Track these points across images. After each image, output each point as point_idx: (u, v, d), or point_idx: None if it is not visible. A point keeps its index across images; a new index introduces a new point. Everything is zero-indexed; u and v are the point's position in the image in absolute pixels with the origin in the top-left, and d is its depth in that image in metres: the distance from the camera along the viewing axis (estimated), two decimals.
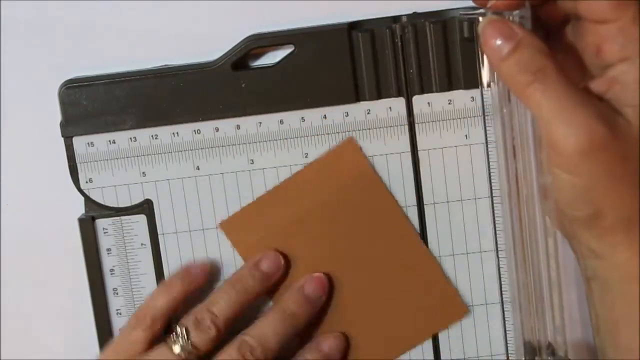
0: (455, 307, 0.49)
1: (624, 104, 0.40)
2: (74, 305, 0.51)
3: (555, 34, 0.43)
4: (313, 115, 0.48)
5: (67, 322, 0.51)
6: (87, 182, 0.49)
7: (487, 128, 0.48)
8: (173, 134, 0.48)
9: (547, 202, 0.43)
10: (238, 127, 0.48)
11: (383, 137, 0.48)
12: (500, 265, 0.49)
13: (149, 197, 0.49)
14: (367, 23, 0.48)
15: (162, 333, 0.46)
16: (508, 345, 0.50)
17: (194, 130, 0.48)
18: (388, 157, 0.48)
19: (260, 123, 0.48)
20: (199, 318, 0.46)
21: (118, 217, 0.49)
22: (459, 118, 0.48)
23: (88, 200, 0.49)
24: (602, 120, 0.39)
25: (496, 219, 0.49)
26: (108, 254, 0.49)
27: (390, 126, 0.48)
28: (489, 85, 0.44)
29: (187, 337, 0.45)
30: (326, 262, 0.49)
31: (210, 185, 0.49)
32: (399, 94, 0.48)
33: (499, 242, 0.49)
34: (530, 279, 0.45)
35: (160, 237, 0.49)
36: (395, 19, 0.47)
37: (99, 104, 0.48)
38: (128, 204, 0.49)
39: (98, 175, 0.49)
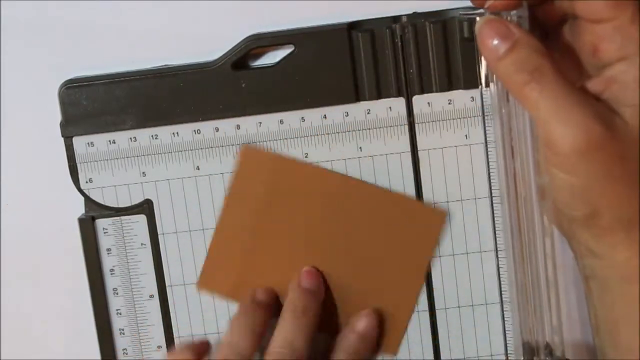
0: (433, 217, 0.49)
1: (622, 104, 0.40)
2: (74, 305, 0.51)
3: (553, 34, 0.43)
4: (313, 115, 0.48)
5: (67, 322, 0.51)
6: (87, 182, 0.49)
7: (487, 128, 0.48)
8: (173, 134, 0.48)
9: (545, 202, 0.43)
10: (238, 127, 0.48)
11: (383, 137, 0.48)
12: (500, 265, 0.49)
13: (149, 197, 0.49)
14: (367, 23, 0.48)
15: None
16: (507, 345, 0.50)
17: (194, 130, 0.48)
18: (388, 157, 0.48)
19: (260, 123, 0.48)
20: (225, 357, 0.46)
21: (118, 217, 0.49)
22: (459, 118, 0.48)
23: (88, 200, 0.49)
24: (599, 120, 0.39)
25: (496, 219, 0.49)
26: (108, 254, 0.49)
27: (390, 126, 0.48)
28: (487, 85, 0.44)
29: None
30: (306, 256, 0.48)
31: (210, 185, 0.49)
32: (399, 94, 0.48)
33: (498, 242, 0.49)
34: (528, 279, 0.45)
35: (160, 237, 0.49)
36: (395, 19, 0.47)
37: (99, 104, 0.48)
38: (128, 204, 0.49)
39: (98, 175, 0.49)
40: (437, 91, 0.48)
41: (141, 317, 0.50)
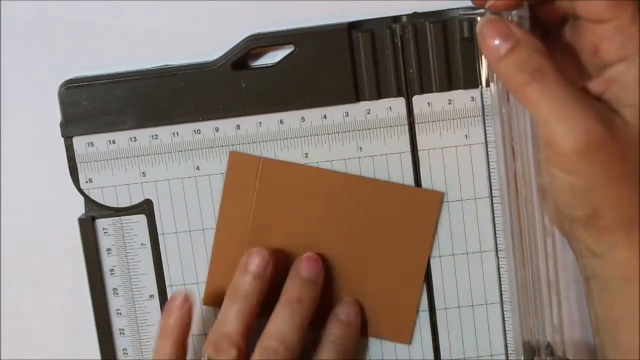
0: (430, 199, 0.48)
1: (622, 104, 0.40)
2: (74, 305, 0.51)
3: (554, 34, 0.43)
4: (313, 115, 0.48)
5: (67, 322, 0.51)
6: (87, 182, 0.49)
7: (487, 128, 0.48)
8: (173, 134, 0.48)
9: (546, 202, 0.43)
10: (238, 127, 0.48)
11: (383, 137, 0.48)
12: (500, 265, 0.49)
13: (149, 197, 0.49)
14: (367, 23, 0.48)
15: None
16: (508, 345, 0.50)
17: (194, 130, 0.48)
18: (388, 157, 0.48)
19: (260, 123, 0.48)
20: (215, 343, 0.46)
21: (118, 217, 0.49)
22: (459, 118, 0.48)
23: (88, 200, 0.49)
24: (599, 120, 0.39)
25: (496, 218, 0.49)
26: (108, 254, 0.49)
27: (390, 126, 0.48)
28: (488, 85, 0.44)
29: None
30: (308, 246, 0.49)
31: (210, 185, 0.49)
32: (399, 94, 0.48)
33: (498, 242, 0.49)
34: (528, 279, 0.45)
35: (160, 237, 0.49)
36: (395, 19, 0.47)
37: (99, 104, 0.48)
38: (128, 204, 0.49)
39: (98, 175, 0.49)
40: (437, 91, 0.48)
41: (141, 317, 0.50)
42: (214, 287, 0.49)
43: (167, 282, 0.50)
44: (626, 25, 0.39)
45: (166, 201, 0.49)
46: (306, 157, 0.48)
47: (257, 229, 0.48)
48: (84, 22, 0.48)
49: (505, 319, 0.49)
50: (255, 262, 0.47)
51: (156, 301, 0.50)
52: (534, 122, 0.42)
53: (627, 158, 0.40)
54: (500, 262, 0.49)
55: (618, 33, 0.39)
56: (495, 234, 0.49)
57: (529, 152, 0.43)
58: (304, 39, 0.47)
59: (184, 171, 0.49)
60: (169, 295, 0.50)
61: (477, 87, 0.47)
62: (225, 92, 0.48)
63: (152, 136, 0.48)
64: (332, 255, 0.49)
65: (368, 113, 0.48)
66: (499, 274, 0.49)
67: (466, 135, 0.48)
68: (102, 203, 0.49)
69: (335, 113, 0.48)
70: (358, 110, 0.48)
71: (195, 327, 0.49)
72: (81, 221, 0.49)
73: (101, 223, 0.49)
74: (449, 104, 0.48)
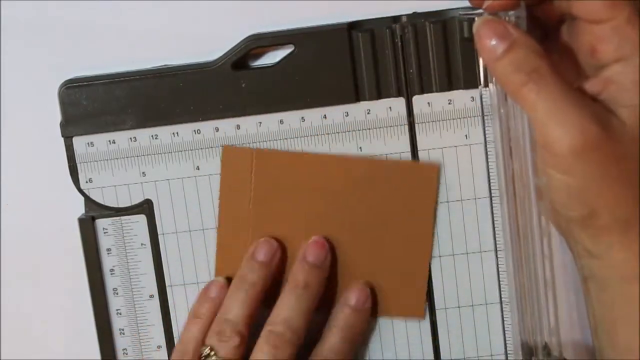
0: (427, 170, 0.48)
1: (619, 105, 0.40)
2: (74, 305, 0.51)
3: (552, 34, 0.43)
4: (313, 115, 0.48)
5: (67, 322, 0.51)
6: (87, 182, 0.49)
7: (487, 128, 0.48)
8: (173, 134, 0.48)
9: (543, 203, 0.43)
10: (238, 127, 0.48)
11: (383, 137, 0.48)
12: (500, 265, 0.49)
13: (149, 197, 0.49)
14: (367, 23, 0.48)
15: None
16: (507, 345, 0.50)
17: (194, 130, 0.48)
18: (388, 157, 0.48)
19: (260, 123, 0.48)
20: (218, 331, 0.46)
21: (118, 217, 0.49)
22: (459, 118, 0.48)
23: (88, 200, 0.49)
24: (596, 121, 0.39)
25: (495, 219, 0.49)
26: (108, 254, 0.49)
27: (390, 126, 0.48)
28: (486, 86, 0.44)
29: (216, 354, 0.45)
30: (311, 231, 0.48)
31: (210, 185, 0.49)
32: (399, 94, 0.48)
33: (498, 242, 0.49)
34: (525, 280, 0.45)
35: (160, 237, 0.49)
36: (395, 19, 0.47)
37: (99, 104, 0.48)
38: (128, 204, 0.49)
39: (98, 175, 0.49)
40: (437, 91, 0.48)
41: (141, 317, 0.50)
42: (226, 255, 0.49)
43: (167, 282, 0.50)
44: (623, 26, 0.39)
45: (166, 201, 0.49)
46: None
47: (258, 220, 0.48)
48: (84, 22, 0.48)
49: (505, 319, 0.49)
50: (263, 250, 0.47)
51: (156, 301, 0.50)
52: (530, 123, 0.42)
53: (623, 158, 0.40)
54: (499, 262, 0.49)
55: (615, 34, 0.39)
56: (494, 234, 0.49)
57: (527, 153, 0.43)
58: (304, 39, 0.47)
59: (184, 171, 0.49)
60: (169, 295, 0.50)
61: (477, 87, 0.47)
62: (225, 92, 0.48)
63: (152, 136, 0.48)
64: (337, 238, 0.49)
65: (368, 113, 0.48)
66: (499, 274, 0.49)
67: (466, 135, 0.48)
68: (102, 203, 0.49)
69: (335, 113, 0.48)
70: (358, 110, 0.48)
71: None
72: (81, 221, 0.49)
73: (101, 223, 0.49)
74: (449, 104, 0.48)
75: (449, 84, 0.48)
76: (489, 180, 0.48)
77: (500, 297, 0.49)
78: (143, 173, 0.49)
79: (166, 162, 0.49)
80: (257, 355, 0.45)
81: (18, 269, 0.51)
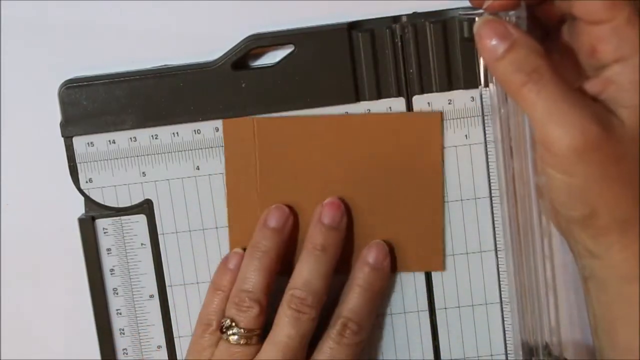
0: (429, 120, 0.48)
1: (619, 105, 0.40)
2: (74, 305, 0.51)
3: (552, 34, 0.43)
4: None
5: (67, 322, 0.51)
6: (87, 182, 0.49)
7: (487, 128, 0.48)
8: (173, 134, 0.48)
9: (544, 202, 0.43)
10: None
11: None
12: (500, 265, 0.49)
13: (149, 197, 0.49)
14: (367, 23, 0.48)
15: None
16: (507, 345, 0.50)
17: (194, 130, 0.48)
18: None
19: None
20: (237, 302, 0.46)
21: (118, 217, 0.49)
22: (459, 118, 0.48)
23: (88, 200, 0.49)
24: (596, 121, 0.39)
25: (495, 218, 0.49)
26: (108, 254, 0.49)
27: None
28: (487, 86, 0.44)
29: (237, 324, 0.46)
30: (321, 195, 0.48)
31: (210, 185, 0.49)
32: (399, 94, 0.48)
33: (498, 242, 0.49)
34: (525, 280, 0.45)
35: (160, 237, 0.49)
36: (395, 19, 0.47)
37: (99, 104, 0.48)
38: (128, 204, 0.49)
39: (98, 175, 0.49)
40: (437, 91, 0.48)
41: (141, 317, 0.50)
42: (239, 221, 0.49)
43: (167, 282, 0.50)
44: (622, 27, 0.39)
45: (166, 201, 0.49)
46: None
47: (267, 189, 0.48)
48: (84, 22, 0.48)
49: (505, 319, 0.49)
50: (275, 217, 0.47)
51: (156, 301, 0.50)
52: (531, 123, 0.42)
53: (623, 158, 0.40)
54: (499, 262, 0.49)
55: (614, 34, 0.39)
56: (494, 234, 0.49)
57: (527, 152, 0.43)
58: (304, 39, 0.47)
59: (184, 171, 0.49)
60: (169, 295, 0.50)
61: (477, 87, 0.47)
62: (225, 92, 0.48)
63: (152, 136, 0.48)
64: (348, 198, 0.48)
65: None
66: (499, 274, 0.49)
67: (466, 135, 0.48)
68: (102, 203, 0.49)
69: (335, 113, 0.48)
70: (358, 110, 0.48)
71: None
72: (81, 221, 0.49)
73: (101, 223, 0.49)
74: (449, 104, 0.48)
75: (449, 84, 0.48)
76: (489, 180, 0.48)
77: (501, 297, 0.49)
78: (143, 173, 0.49)
79: (166, 162, 0.49)
80: (280, 319, 0.46)
81: (18, 269, 0.51)
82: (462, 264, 0.49)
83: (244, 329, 0.46)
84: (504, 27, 0.40)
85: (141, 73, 0.48)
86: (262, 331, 0.46)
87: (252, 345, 0.46)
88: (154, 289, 0.50)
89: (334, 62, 0.47)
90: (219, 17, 0.48)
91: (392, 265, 0.49)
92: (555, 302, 0.45)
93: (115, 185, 0.49)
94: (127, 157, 0.48)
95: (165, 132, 0.48)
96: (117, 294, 0.50)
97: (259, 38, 0.47)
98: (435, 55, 0.47)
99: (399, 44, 0.47)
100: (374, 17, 0.48)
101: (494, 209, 0.48)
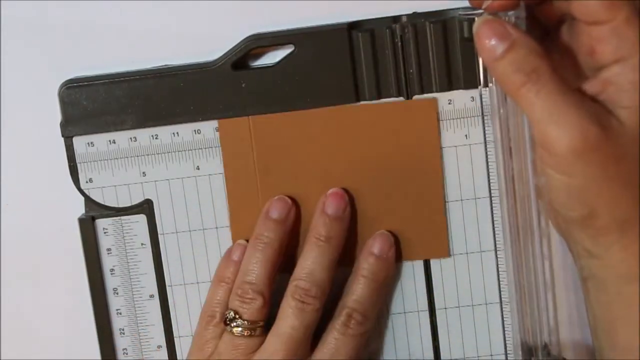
0: (425, 108, 0.48)
1: (618, 105, 0.40)
2: (74, 305, 0.51)
3: (552, 34, 0.43)
4: None
5: (67, 322, 0.51)
6: (87, 182, 0.49)
7: (486, 128, 0.48)
8: (173, 134, 0.48)
9: (543, 202, 0.43)
10: None
11: None
12: (500, 265, 0.49)
13: (149, 197, 0.49)
14: (367, 23, 0.48)
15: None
16: (507, 345, 0.50)
17: (194, 130, 0.48)
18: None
19: None
20: (240, 294, 0.46)
21: (118, 217, 0.49)
22: (459, 118, 0.48)
23: (88, 200, 0.49)
24: (595, 121, 0.39)
25: (495, 219, 0.49)
26: (108, 254, 0.49)
27: None
28: (486, 86, 0.44)
29: (240, 316, 0.46)
30: (326, 184, 0.48)
31: (210, 185, 0.49)
32: (399, 94, 0.48)
33: (498, 242, 0.49)
34: (525, 279, 0.45)
35: (160, 237, 0.49)
36: (395, 19, 0.47)
37: (99, 104, 0.48)
38: (128, 204, 0.49)
39: (98, 175, 0.49)
40: (437, 91, 0.48)
41: (141, 317, 0.50)
42: (239, 216, 0.49)
43: (167, 282, 0.50)
44: (621, 27, 0.39)
45: (166, 201, 0.49)
46: None
47: (267, 186, 0.48)
48: (84, 22, 0.48)
49: (505, 319, 0.49)
50: (277, 208, 0.48)
51: (156, 301, 0.50)
52: (530, 123, 0.42)
53: (622, 159, 0.40)
54: (499, 262, 0.49)
55: (613, 35, 0.39)
56: (494, 234, 0.49)
57: (527, 153, 0.43)
58: (304, 39, 0.47)
59: (184, 171, 0.49)
60: (169, 295, 0.50)
61: (477, 87, 0.47)
62: (225, 92, 0.48)
63: (152, 136, 0.48)
64: (349, 190, 0.48)
65: None
66: (498, 274, 0.49)
67: (466, 135, 0.48)
68: (102, 203, 0.49)
69: None
70: None
71: None
72: (81, 221, 0.49)
73: (101, 223, 0.49)
74: (449, 104, 0.48)
75: (449, 84, 0.48)
76: (488, 180, 0.48)
77: (500, 297, 0.49)
78: (143, 173, 0.49)
79: (166, 162, 0.49)
80: (284, 311, 0.46)
81: (18, 269, 0.51)
82: (462, 264, 0.49)
83: (247, 320, 0.46)
84: (503, 27, 0.40)
85: (141, 73, 0.48)
86: (265, 323, 0.46)
87: (255, 337, 0.46)
88: (154, 289, 0.50)
89: (334, 62, 0.47)
90: (219, 17, 0.48)
91: (397, 254, 0.49)
92: (554, 302, 0.45)
93: (115, 185, 0.49)
94: (127, 157, 0.48)
95: (165, 132, 0.48)
96: (117, 294, 0.50)
97: (259, 38, 0.47)
98: (435, 55, 0.47)
99: (399, 44, 0.47)
100: (374, 17, 0.48)
101: (493, 209, 0.48)
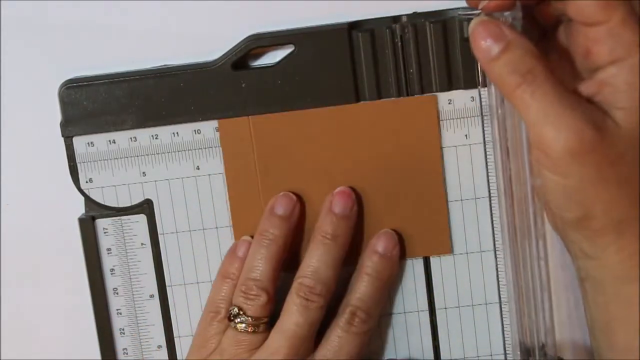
0: (425, 105, 0.48)
1: (614, 107, 0.40)
2: (74, 305, 0.51)
3: (548, 35, 0.43)
4: None
5: (67, 322, 0.51)
6: (87, 182, 0.49)
7: (486, 128, 0.48)
8: (173, 134, 0.48)
9: (540, 203, 0.43)
10: None
11: None
12: (499, 265, 0.49)
13: (149, 197, 0.49)
14: (367, 23, 0.48)
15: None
16: (506, 345, 0.50)
17: (194, 130, 0.48)
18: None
19: None
20: (245, 290, 0.46)
21: (118, 217, 0.49)
22: (459, 118, 0.48)
23: (88, 200, 0.49)
24: (590, 123, 0.39)
25: (494, 219, 0.49)
26: (108, 254, 0.49)
27: None
28: (485, 86, 0.44)
29: (244, 313, 0.46)
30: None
31: (210, 185, 0.49)
32: (399, 94, 0.48)
33: (497, 242, 0.49)
34: (522, 280, 0.45)
35: (160, 237, 0.49)
36: (395, 19, 0.47)
37: (99, 104, 0.48)
38: (128, 204, 0.49)
39: (98, 175, 0.49)
40: (437, 91, 0.48)
41: (141, 317, 0.50)
42: (241, 212, 0.49)
43: (167, 282, 0.50)
44: (617, 28, 0.39)
45: (166, 201, 0.49)
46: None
47: (268, 186, 0.48)
48: (84, 22, 0.48)
49: (504, 319, 0.49)
50: (282, 204, 0.47)
51: (156, 301, 0.50)
52: (525, 124, 0.42)
53: (618, 160, 0.39)
54: (499, 262, 0.49)
55: (609, 36, 0.39)
56: (494, 234, 0.49)
57: (524, 153, 0.43)
58: (304, 39, 0.47)
59: (184, 171, 0.49)
60: (169, 295, 0.50)
61: (477, 87, 0.47)
62: (225, 92, 0.48)
63: (152, 136, 0.48)
64: (352, 188, 0.48)
65: None
66: (498, 274, 0.49)
67: (466, 135, 0.48)
68: (102, 203, 0.49)
69: None
70: None
71: None
72: (81, 221, 0.49)
73: (101, 223, 0.49)
74: (449, 104, 0.48)
75: (449, 84, 0.48)
76: (488, 180, 0.48)
77: (500, 297, 0.49)
78: (143, 173, 0.49)
79: (166, 162, 0.49)
80: (288, 308, 0.46)
81: (18, 269, 0.51)
82: (462, 264, 0.49)
83: (251, 317, 0.46)
84: (499, 27, 0.40)
85: (141, 73, 0.48)
86: (269, 319, 0.46)
87: (259, 334, 0.46)
88: (154, 289, 0.50)
89: (334, 62, 0.47)
90: (219, 17, 0.48)
91: (400, 252, 0.49)
92: (550, 302, 0.45)
93: (115, 185, 0.49)
94: (127, 157, 0.48)
95: (165, 132, 0.48)
96: (117, 293, 0.50)
97: (259, 38, 0.47)
98: (435, 55, 0.47)
99: (399, 44, 0.47)
100: (374, 17, 0.48)
101: (493, 209, 0.48)
